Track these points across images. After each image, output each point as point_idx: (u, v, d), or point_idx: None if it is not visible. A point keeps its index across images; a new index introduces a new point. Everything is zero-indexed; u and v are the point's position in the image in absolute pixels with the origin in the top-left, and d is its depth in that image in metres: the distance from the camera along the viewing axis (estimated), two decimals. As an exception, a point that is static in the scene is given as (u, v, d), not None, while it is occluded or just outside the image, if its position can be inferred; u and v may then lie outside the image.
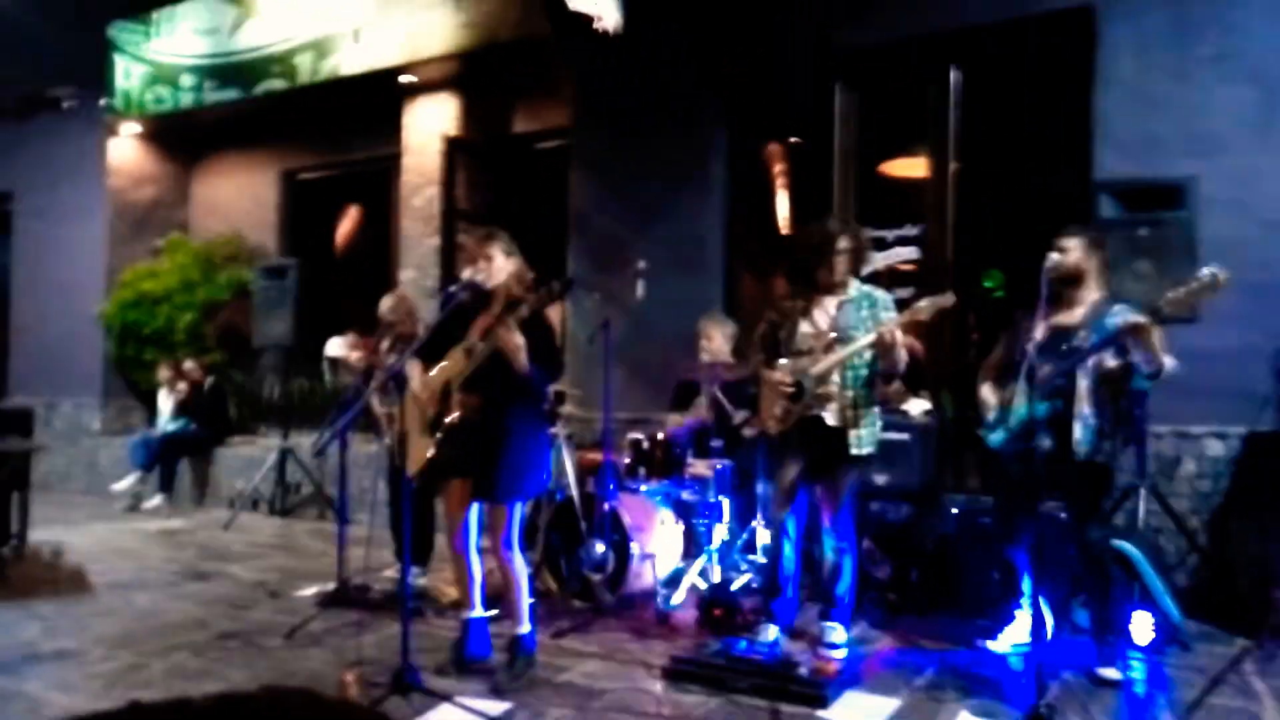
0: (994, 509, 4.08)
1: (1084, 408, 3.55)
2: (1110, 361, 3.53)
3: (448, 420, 3.51)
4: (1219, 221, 4.51)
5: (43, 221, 9.88)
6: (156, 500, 8.01)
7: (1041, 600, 3.46)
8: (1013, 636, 3.91)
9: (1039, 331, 3.60)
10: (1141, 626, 3.89)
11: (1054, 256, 3.57)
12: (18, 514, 5.49)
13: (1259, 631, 3.88)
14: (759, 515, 5.01)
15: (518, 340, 3.31)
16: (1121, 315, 3.56)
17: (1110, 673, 3.57)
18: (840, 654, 3.70)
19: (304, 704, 0.64)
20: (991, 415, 3.81)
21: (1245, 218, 4.66)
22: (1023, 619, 3.89)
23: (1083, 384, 3.55)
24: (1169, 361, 3.47)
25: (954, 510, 4.69)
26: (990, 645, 3.90)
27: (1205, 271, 3.24)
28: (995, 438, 3.75)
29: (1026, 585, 3.87)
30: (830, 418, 3.73)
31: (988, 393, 3.87)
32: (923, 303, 3.63)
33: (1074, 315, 3.68)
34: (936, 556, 4.69)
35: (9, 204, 10.30)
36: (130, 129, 9.48)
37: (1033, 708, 2.79)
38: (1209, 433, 4.79)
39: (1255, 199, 4.71)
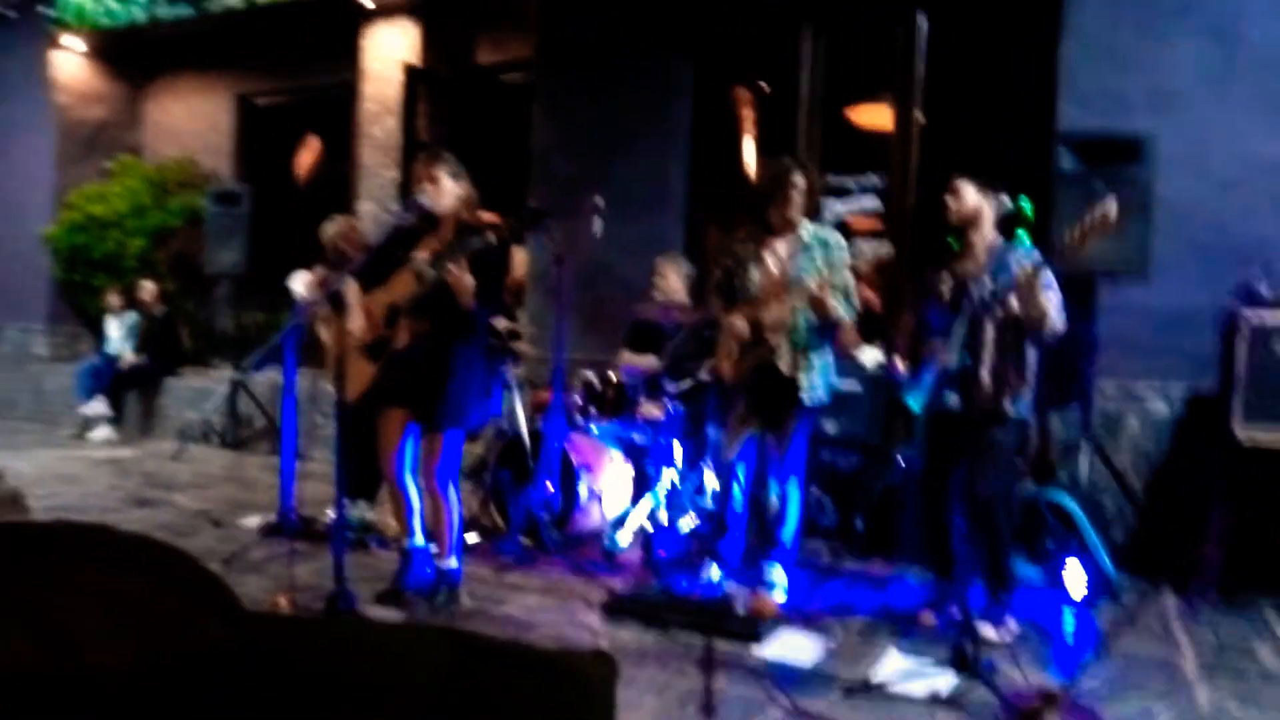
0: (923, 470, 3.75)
1: (990, 359, 3.38)
2: (1015, 307, 3.31)
3: (395, 345, 3.46)
4: (1175, 179, 4.49)
5: (-15, 138, 9.52)
6: (104, 430, 7.86)
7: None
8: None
9: (946, 287, 3.51)
10: (1076, 578, 3.97)
11: (949, 200, 3.48)
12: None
13: (1187, 586, 4.00)
14: (709, 459, 5.03)
15: (467, 281, 3.26)
16: (1019, 258, 3.44)
17: (989, 632, 3.38)
18: (778, 594, 3.75)
19: (93, 533, 0.60)
20: (906, 377, 3.61)
21: (1201, 176, 4.65)
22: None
23: (989, 334, 3.37)
24: (1056, 317, 3.31)
25: (900, 462, 4.73)
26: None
27: (1098, 208, 3.02)
28: (914, 400, 3.56)
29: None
30: (783, 365, 3.72)
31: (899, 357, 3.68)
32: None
33: (976, 262, 3.55)
34: (881, 506, 4.74)
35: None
36: (76, 44, 9.10)
37: (958, 646, 2.85)
38: (1153, 391, 4.85)
39: (1211, 157, 4.69)
